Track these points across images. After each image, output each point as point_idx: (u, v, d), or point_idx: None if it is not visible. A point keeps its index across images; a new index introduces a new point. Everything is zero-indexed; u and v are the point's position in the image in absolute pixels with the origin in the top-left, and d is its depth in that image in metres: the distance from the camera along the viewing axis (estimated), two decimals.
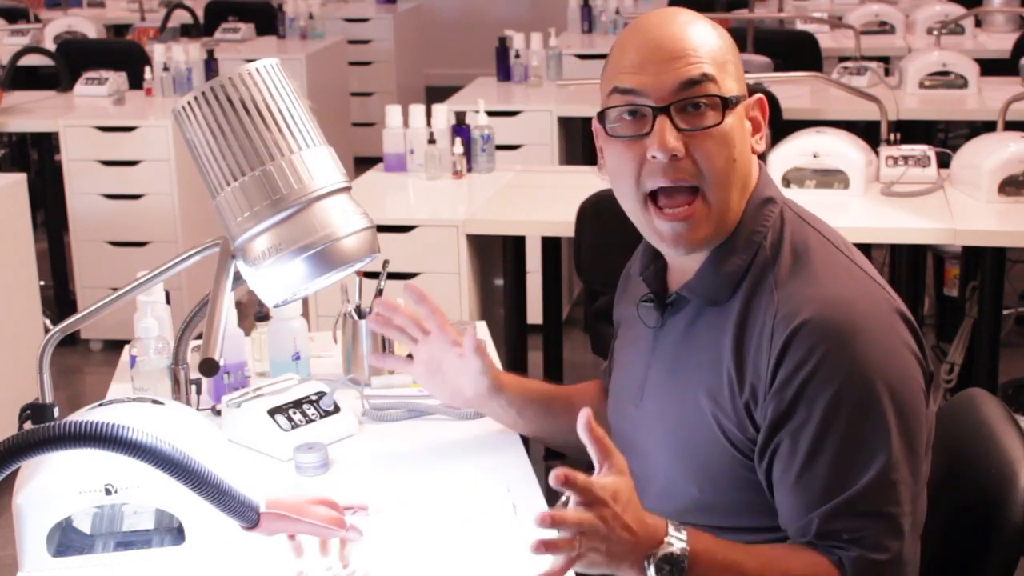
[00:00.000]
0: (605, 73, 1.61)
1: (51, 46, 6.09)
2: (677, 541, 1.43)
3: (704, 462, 1.58)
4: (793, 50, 5.44)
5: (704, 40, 1.56)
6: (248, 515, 1.44)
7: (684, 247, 1.57)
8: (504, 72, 5.29)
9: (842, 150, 3.47)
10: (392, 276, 2.58)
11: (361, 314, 2.23)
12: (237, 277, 1.58)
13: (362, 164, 5.28)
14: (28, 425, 1.79)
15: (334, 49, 6.68)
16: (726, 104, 1.54)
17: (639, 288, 1.71)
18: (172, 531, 1.65)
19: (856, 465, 1.46)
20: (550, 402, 1.93)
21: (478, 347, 1.86)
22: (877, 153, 3.57)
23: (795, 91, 4.74)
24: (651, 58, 1.55)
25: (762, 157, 3.60)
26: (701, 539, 1.46)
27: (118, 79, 5.08)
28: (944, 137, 5.90)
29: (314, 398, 2.02)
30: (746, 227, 1.58)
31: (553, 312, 3.84)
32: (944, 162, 3.57)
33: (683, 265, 1.63)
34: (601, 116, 1.59)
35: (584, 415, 1.40)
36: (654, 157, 1.53)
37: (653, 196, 1.56)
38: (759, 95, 1.63)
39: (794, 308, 1.49)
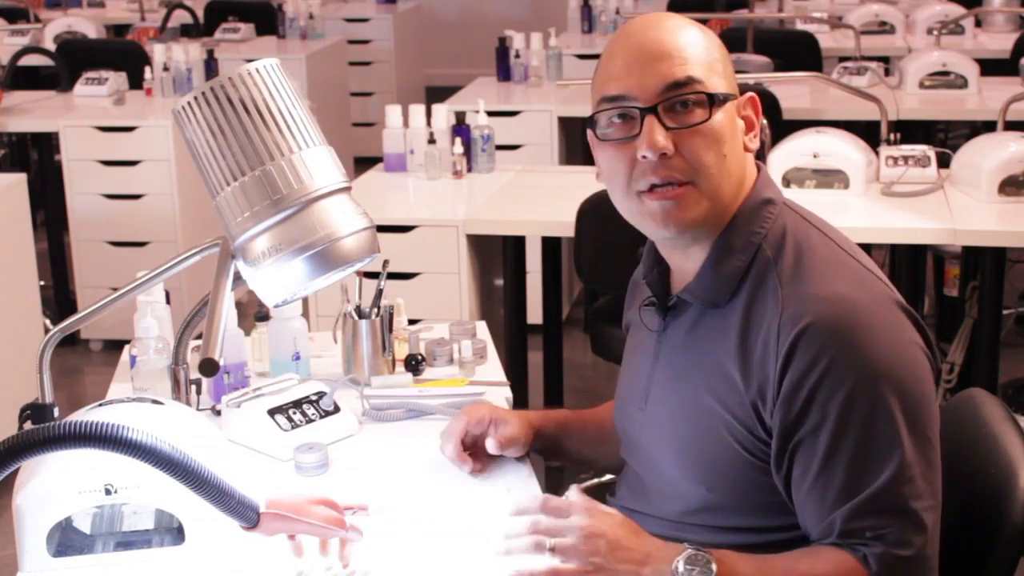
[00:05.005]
0: (595, 81, 1.61)
1: (51, 46, 6.09)
2: (692, 547, 1.48)
3: (712, 463, 1.58)
4: (793, 50, 5.44)
5: (689, 41, 1.56)
6: (248, 515, 1.44)
7: (674, 226, 1.56)
8: (504, 72, 5.29)
9: (842, 150, 3.47)
10: (392, 276, 2.58)
11: (361, 314, 2.23)
12: (237, 277, 1.58)
13: (362, 164, 5.28)
14: (28, 425, 1.79)
15: (334, 49, 6.68)
16: (713, 101, 1.54)
17: (645, 292, 1.72)
18: (172, 531, 1.65)
19: (873, 463, 1.46)
20: (583, 430, 1.95)
21: (499, 445, 1.86)
22: (877, 153, 3.57)
23: (795, 91, 4.74)
24: (636, 62, 1.56)
25: (761, 157, 3.60)
26: (719, 550, 1.49)
27: (118, 79, 5.08)
28: (944, 137, 5.90)
29: (314, 398, 2.02)
30: (744, 227, 1.58)
31: (553, 312, 3.84)
32: (944, 162, 3.57)
33: (684, 267, 1.63)
34: (593, 123, 1.60)
35: (538, 502, 1.52)
36: (644, 157, 1.54)
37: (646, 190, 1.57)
38: (751, 93, 1.63)
39: (800, 309, 1.49)
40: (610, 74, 1.58)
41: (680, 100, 1.54)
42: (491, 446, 1.85)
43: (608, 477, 2.00)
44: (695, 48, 1.56)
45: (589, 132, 1.62)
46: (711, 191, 1.55)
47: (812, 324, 1.47)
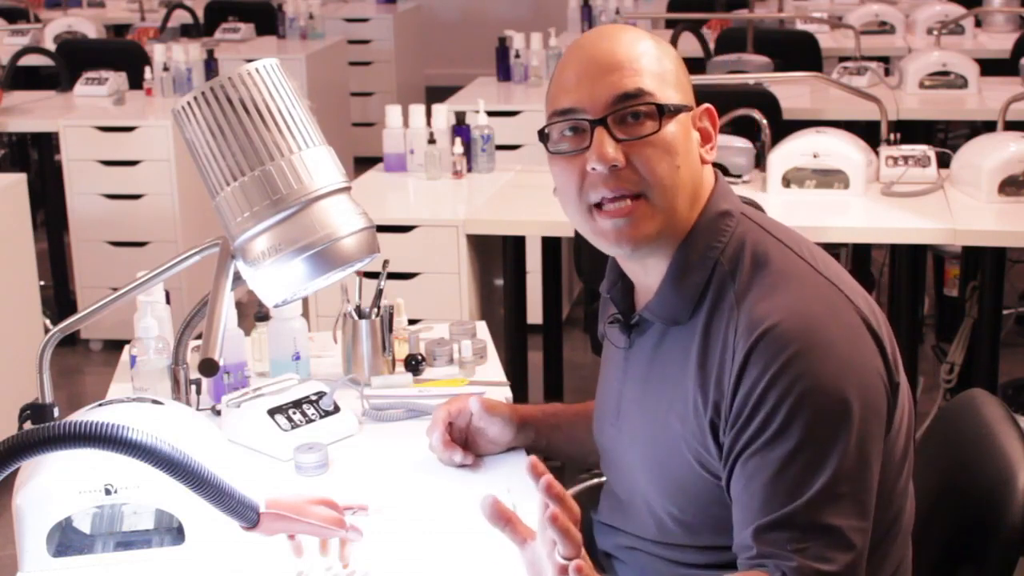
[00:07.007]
0: (548, 94, 1.60)
1: (51, 46, 6.09)
2: None
3: (678, 481, 1.56)
4: (793, 50, 5.43)
5: (641, 52, 1.54)
6: (248, 515, 1.44)
7: (628, 244, 1.54)
8: (504, 72, 5.30)
9: (842, 150, 3.47)
10: (392, 276, 2.58)
11: (361, 314, 2.23)
12: (237, 277, 1.58)
13: (362, 164, 5.28)
14: (28, 425, 1.79)
15: (334, 49, 6.68)
16: (663, 112, 1.52)
17: (612, 307, 1.70)
18: (172, 531, 1.65)
19: (804, 478, 1.42)
20: (574, 424, 1.93)
21: (484, 407, 1.86)
22: (877, 153, 3.57)
23: (795, 91, 4.74)
24: (587, 73, 1.54)
25: (762, 157, 3.58)
26: None
27: (118, 79, 5.08)
28: (944, 137, 5.90)
29: (314, 398, 2.02)
30: (701, 242, 1.55)
31: (553, 312, 3.84)
32: (944, 162, 3.57)
33: (645, 283, 1.61)
34: (545, 138, 1.58)
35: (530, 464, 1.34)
36: (594, 169, 1.52)
37: (598, 206, 1.54)
38: (707, 105, 1.61)
39: (754, 321, 1.46)
40: (561, 86, 1.56)
41: (631, 112, 1.52)
42: (475, 405, 1.86)
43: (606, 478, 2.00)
44: (647, 59, 1.54)
45: (544, 147, 1.60)
46: (664, 204, 1.53)
47: (764, 335, 1.44)
